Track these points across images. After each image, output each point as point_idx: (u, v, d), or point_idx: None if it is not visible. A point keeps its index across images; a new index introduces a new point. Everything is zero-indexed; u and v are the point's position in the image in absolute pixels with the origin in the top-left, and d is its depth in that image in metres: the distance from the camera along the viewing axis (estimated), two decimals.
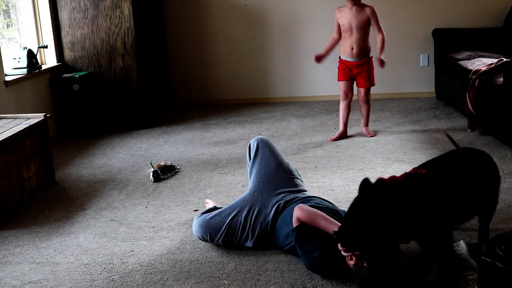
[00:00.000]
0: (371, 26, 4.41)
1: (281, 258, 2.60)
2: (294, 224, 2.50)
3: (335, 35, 4.50)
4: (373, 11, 4.36)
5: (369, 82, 4.50)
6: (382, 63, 4.35)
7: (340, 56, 4.54)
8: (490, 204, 2.45)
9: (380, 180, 2.16)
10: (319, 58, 4.50)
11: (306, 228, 2.46)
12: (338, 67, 4.56)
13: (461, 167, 2.35)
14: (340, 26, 4.44)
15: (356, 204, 2.14)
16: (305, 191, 2.91)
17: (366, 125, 4.65)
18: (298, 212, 2.51)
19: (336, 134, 4.55)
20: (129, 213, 3.26)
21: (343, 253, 2.25)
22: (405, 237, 2.22)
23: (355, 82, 4.54)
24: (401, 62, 5.91)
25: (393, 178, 2.24)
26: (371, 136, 4.53)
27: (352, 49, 4.39)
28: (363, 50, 4.40)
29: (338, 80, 4.57)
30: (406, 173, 2.27)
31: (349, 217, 2.14)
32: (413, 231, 2.15)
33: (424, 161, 2.41)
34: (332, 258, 2.35)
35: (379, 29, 4.38)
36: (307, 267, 2.46)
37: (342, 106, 4.59)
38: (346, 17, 4.37)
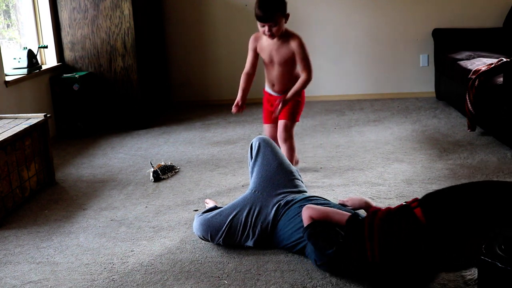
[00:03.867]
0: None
1: (281, 258, 2.60)
2: (306, 223, 2.49)
3: (248, 69, 3.51)
4: (299, 44, 3.31)
5: (291, 115, 3.45)
6: (283, 102, 3.32)
7: (264, 87, 3.60)
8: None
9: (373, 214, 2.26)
10: (240, 107, 3.43)
11: (318, 225, 2.45)
12: (263, 100, 3.62)
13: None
14: (255, 56, 3.49)
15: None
16: (305, 191, 2.91)
17: None
18: (309, 211, 2.49)
19: None
20: (129, 213, 3.26)
21: None
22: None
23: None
24: (401, 62, 5.91)
25: (387, 210, 2.29)
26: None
27: (273, 85, 3.49)
28: (285, 87, 3.44)
29: (264, 123, 3.63)
30: (401, 204, 2.30)
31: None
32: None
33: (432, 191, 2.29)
34: (347, 253, 2.34)
35: (305, 67, 3.32)
36: (318, 265, 2.43)
37: None
38: (266, 49, 3.38)
